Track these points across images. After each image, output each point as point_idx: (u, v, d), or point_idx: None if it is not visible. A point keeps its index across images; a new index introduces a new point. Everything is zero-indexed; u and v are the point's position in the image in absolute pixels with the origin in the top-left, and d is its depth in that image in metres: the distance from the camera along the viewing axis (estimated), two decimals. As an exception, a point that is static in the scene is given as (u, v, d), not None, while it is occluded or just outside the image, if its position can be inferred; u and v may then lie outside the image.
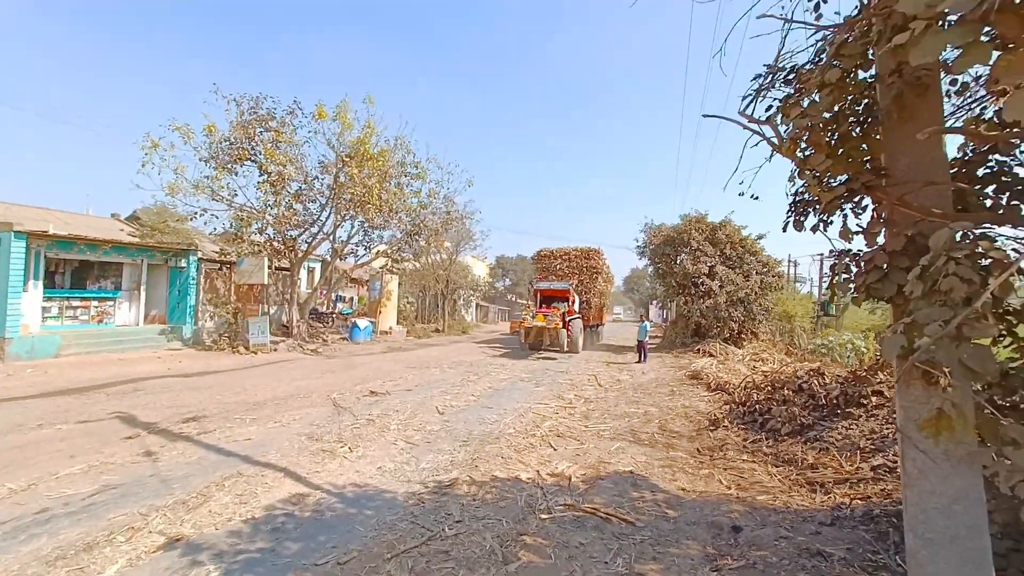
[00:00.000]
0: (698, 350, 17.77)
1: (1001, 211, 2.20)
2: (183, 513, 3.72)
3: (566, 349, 17.50)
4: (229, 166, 15.71)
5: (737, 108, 2.64)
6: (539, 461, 5.36)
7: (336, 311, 25.40)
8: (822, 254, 23.05)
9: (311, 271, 24.38)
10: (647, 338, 16.77)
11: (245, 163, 15.98)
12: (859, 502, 4.05)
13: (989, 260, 1.73)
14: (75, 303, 13.62)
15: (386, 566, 3.09)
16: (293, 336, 16.99)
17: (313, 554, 3.21)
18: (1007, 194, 2.24)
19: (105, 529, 3.41)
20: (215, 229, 15.89)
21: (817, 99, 2.08)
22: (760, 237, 20.62)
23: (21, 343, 11.02)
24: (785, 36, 2.67)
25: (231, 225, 16.36)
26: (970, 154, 2.36)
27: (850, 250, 2.33)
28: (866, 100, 2.29)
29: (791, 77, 2.57)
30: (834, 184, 2.26)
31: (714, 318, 19.40)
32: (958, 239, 1.69)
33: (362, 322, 20.37)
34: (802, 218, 2.63)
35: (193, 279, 15.64)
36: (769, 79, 2.54)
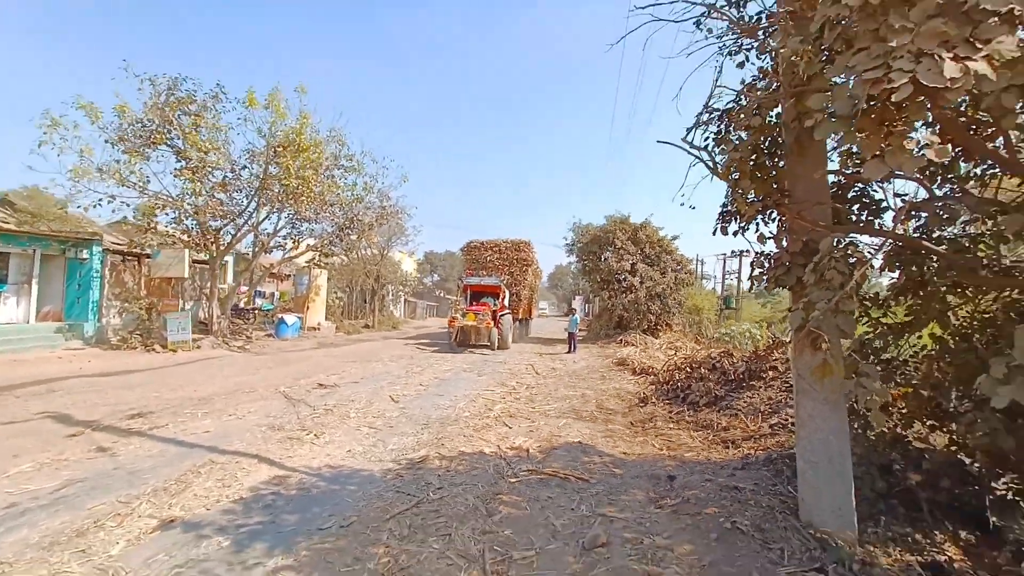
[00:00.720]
0: (621, 340, 19.26)
1: (862, 224, 3.09)
2: (167, 498, 3.80)
3: (497, 347, 17.06)
4: (141, 150, 14.42)
5: (681, 135, 3.36)
6: (497, 438, 5.89)
7: (256, 307, 24.04)
8: (724, 254, 25.82)
9: (223, 266, 22.87)
10: (577, 330, 17.90)
11: (160, 147, 14.77)
12: (761, 452, 5.05)
13: (854, 259, 2.55)
14: (-53, 298, 11.88)
15: (386, 525, 3.46)
16: (214, 333, 15.99)
17: (313, 523, 3.50)
18: (866, 212, 3.15)
19: (89, 517, 3.43)
20: (125, 217, 14.53)
21: (744, 137, 2.81)
22: (675, 238, 22.66)
23: None
24: (717, 78, 3.41)
25: (141, 214, 15.04)
26: (843, 180, 3.25)
27: (763, 251, 3.12)
28: (777, 136, 3.08)
29: (721, 115, 3.32)
30: (751, 200, 3.02)
31: (635, 311, 21.08)
32: (835, 244, 2.48)
33: (289, 318, 19.60)
34: (727, 225, 3.41)
35: (97, 272, 14.21)
36: (705, 117, 3.27)
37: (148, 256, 15.40)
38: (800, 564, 2.91)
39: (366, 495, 4.03)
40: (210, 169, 15.19)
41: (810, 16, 1.99)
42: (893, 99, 1.39)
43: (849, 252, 2.44)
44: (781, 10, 2.58)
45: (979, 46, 1.38)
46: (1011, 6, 1.36)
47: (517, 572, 2.93)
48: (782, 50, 2.15)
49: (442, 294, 62.22)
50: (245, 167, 15.89)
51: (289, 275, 25.83)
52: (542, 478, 4.55)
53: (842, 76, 1.71)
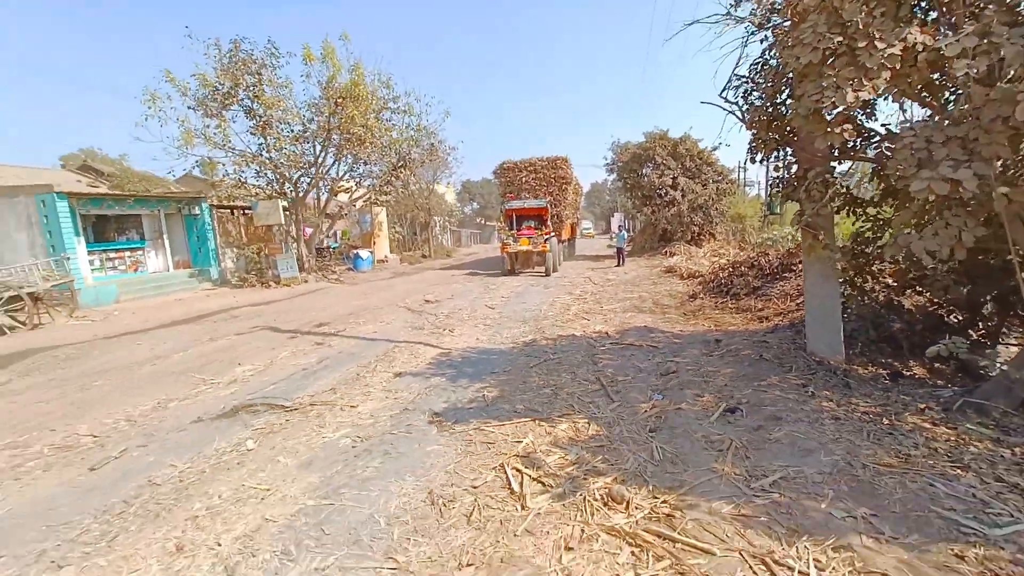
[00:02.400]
0: (666, 252, 20.58)
1: (853, 151, 4.48)
2: (387, 363, 5.96)
3: (549, 272, 16.25)
4: (219, 112, 16.19)
5: (718, 91, 4.74)
6: (581, 327, 7.81)
7: (326, 246, 26.63)
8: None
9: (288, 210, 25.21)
10: (624, 244, 19.36)
11: (232, 108, 16.47)
12: (787, 322, 6.73)
13: (829, 179, 4.02)
14: (111, 254, 14.67)
15: (531, 370, 5.47)
16: (307, 270, 18.57)
17: (484, 371, 5.55)
18: (859, 139, 4.52)
19: (349, 373, 5.61)
20: (224, 176, 16.69)
21: (761, 99, 4.21)
22: (715, 148, 22.79)
23: (87, 293, 12.33)
24: (744, 46, 4.70)
25: (234, 172, 17.15)
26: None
27: (779, 176, 4.60)
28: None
29: (747, 79, 4.66)
30: (768, 141, 4.46)
31: (678, 224, 22.13)
32: (817, 172, 3.96)
33: (363, 253, 21.98)
34: (755, 157, 4.85)
35: (208, 224, 16.67)
36: (735, 79, 4.61)
37: (248, 208, 17.70)
38: (802, 372, 4.68)
39: (507, 359, 6.06)
40: (279, 124, 16.88)
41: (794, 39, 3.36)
42: (824, 110, 2.85)
43: (827, 178, 3.91)
44: (782, 25, 3.85)
45: (865, 83, 2.80)
46: (882, 61, 2.75)
47: (622, 385, 4.87)
48: (782, 55, 3.51)
49: (483, 221, 63.87)
50: (313, 120, 17.42)
51: (342, 214, 28.11)
52: (623, 346, 6.46)
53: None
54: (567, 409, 4.25)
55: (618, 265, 18.68)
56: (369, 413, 4.34)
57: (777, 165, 4.61)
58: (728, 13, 4.44)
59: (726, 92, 4.71)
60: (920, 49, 2.85)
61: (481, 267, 22.82)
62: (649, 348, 6.29)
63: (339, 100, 16.69)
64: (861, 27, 2.89)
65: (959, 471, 2.74)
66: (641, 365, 5.51)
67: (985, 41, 2.45)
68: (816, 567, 2.13)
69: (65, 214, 12.21)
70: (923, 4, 3.26)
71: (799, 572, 2.11)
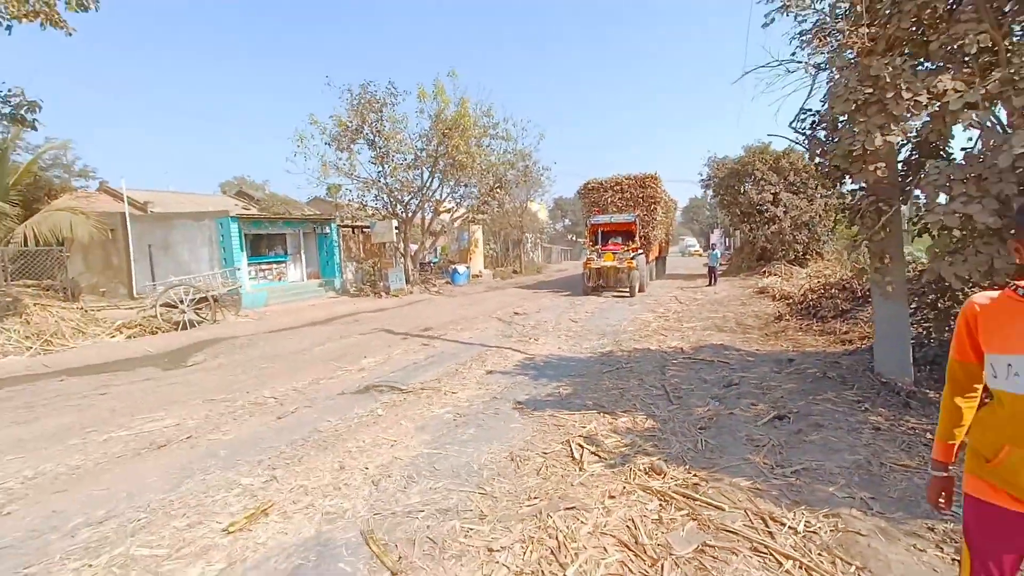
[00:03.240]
0: (763, 272, 19.76)
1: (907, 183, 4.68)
2: (479, 363, 7.04)
3: (635, 292, 15.46)
4: (348, 147, 19.03)
5: (788, 123, 5.17)
6: (658, 342, 8.31)
7: (427, 261, 29.23)
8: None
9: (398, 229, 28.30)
10: (717, 264, 19.00)
11: (358, 142, 19.25)
12: (868, 345, 6.68)
13: (883, 208, 4.31)
14: (263, 267, 17.86)
15: (604, 376, 6.19)
16: (412, 283, 20.79)
17: (563, 374, 6.37)
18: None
19: (449, 370, 6.76)
20: (349, 200, 19.50)
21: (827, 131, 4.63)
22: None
23: (247, 297, 15.22)
24: (811, 89, 5.11)
25: (357, 196, 19.97)
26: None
27: (843, 203, 4.92)
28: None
29: (814, 114, 5.06)
30: (829, 170, 4.83)
31: (779, 242, 21.07)
32: (870, 201, 4.30)
33: (461, 268, 23.92)
34: (825, 182, 5.19)
35: (335, 242, 19.50)
36: (802, 114, 5.04)
37: (367, 227, 20.40)
38: (862, 390, 4.88)
39: (584, 365, 6.83)
40: (395, 154, 19.33)
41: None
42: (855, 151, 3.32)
43: (880, 207, 4.22)
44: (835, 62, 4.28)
45: (894, 127, 3.22)
46: (910, 109, 3.18)
47: (684, 392, 5.41)
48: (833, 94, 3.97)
49: (573, 238, 64.61)
50: (423, 149, 19.70)
51: (444, 231, 30.62)
52: (694, 361, 6.90)
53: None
54: (629, 407, 4.93)
55: (709, 284, 18.39)
56: (466, 399, 5.39)
57: (841, 193, 4.93)
58: (794, 55, 4.92)
59: (795, 123, 5.15)
60: (954, 95, 3.25)
61: (569, 284, 23.51)
62: (720, 364, 6.67)
63: (446, 131, 18.75)
64: (888, 80, 3.36)
65: (978, 476, 3.03)
66: (707, 378, 5.97)
67: (983, 92, 2.84)
68: (805, 525, 2.68)
69: (236, 234, 15.29)
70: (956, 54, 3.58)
71: (789, 527, 2.68)
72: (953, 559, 2.36)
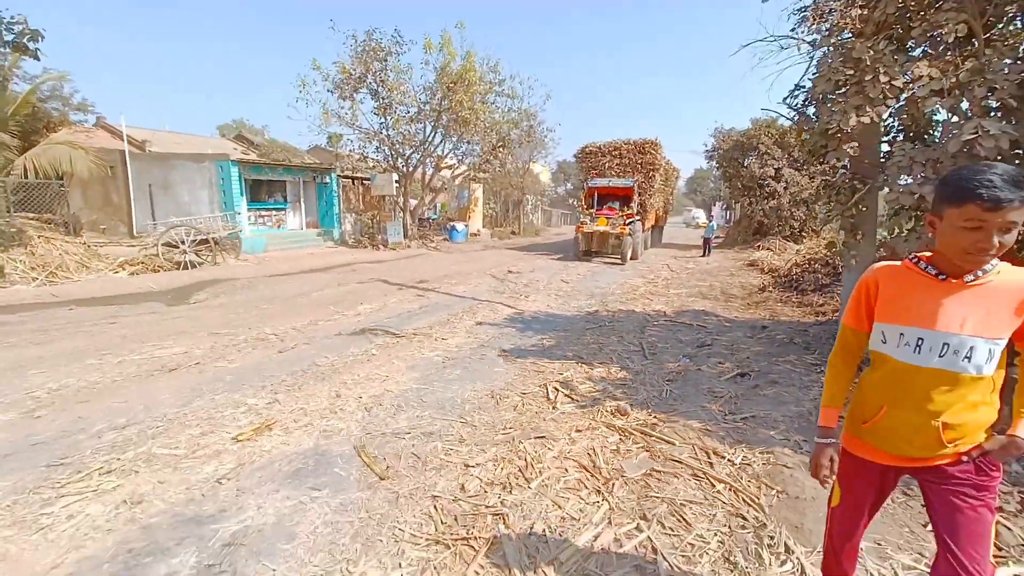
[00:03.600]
0: (758, 246, 19.99)
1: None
2: (471, 315, 7.38)
3: (628, 258, 15.43)
4: (351, 95, 18.70)
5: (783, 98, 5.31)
6: (643, 305, 8.65)
7: (427, 217, 29.22)
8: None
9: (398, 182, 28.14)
10: (713, 236, 19.19)
11: (361, 91, 18.90)
12: (837, 316, 7.04)
13: (857, 186, 4.53)
14: (263, 213, 17.95)
15: (587, 332, 6.55)
16: (410, 237, 20.94)
17: (548, 328, 6.73)
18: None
19: (441, 319, 7.11)
20: (351, 151, 19.34)
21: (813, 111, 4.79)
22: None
23: (246, 242, 15.38)
24: (807, 69, 5.21)
25: (358, 147, 19.80)
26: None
27: (825, 180, 5.13)
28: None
29: (806, 90, 5.19)
30: (814, 148, 5.01)
31: (776, 217, 21.19)
32: (844, 178, 4.51)
33: (459, 225, 24.02)
34: (813, 158, 5.37)
35: (335, 192, 19.51)
36: (797, 90, 5.17)
37: (367, 179, 20.34)
38: (823, 355, 5.25)
39: (569, 322, 7.18)
40: (398, 106, 19.04)
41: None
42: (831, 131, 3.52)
43: (854, 184, 4.45)
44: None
45: (869, 109, 3.41)
46: (884, 92, 3.35)
47: (659, 350, 5.78)
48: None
49: (574, 202, 64.09)
50: (427, 103, 19.38)
51: (444, 188, 30.48)
52: (674, 324, 7.26)
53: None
54: (606, 360, 5.30)
55: (703, 255, 18.64)
56: (455, 344, 5.76)
57: (824, 169, 5.14)
58: (793, 30, 5.00)
59: (788, 99, 5.29)
60: (927, 81, 3.43)
61: (565, 248, 23.53)
62: (698, 327, 7.04)
63: (451, 85, 18.42)
64: (868, 63, 3.52)
65: (902, 429, 3.43)
66: (683, 338, 6.34)
67: (953, 81, 3.04)
68: (742, 459, 3.08)
69: (236, 178, 15.31)
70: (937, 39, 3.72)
71: (728, 460, 3.07)
72: (860, 489, 2.76)
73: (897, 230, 3.86)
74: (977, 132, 2.73)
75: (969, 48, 3.47)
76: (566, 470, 3.01)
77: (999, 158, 2.80)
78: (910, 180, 3.38)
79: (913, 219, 3.72)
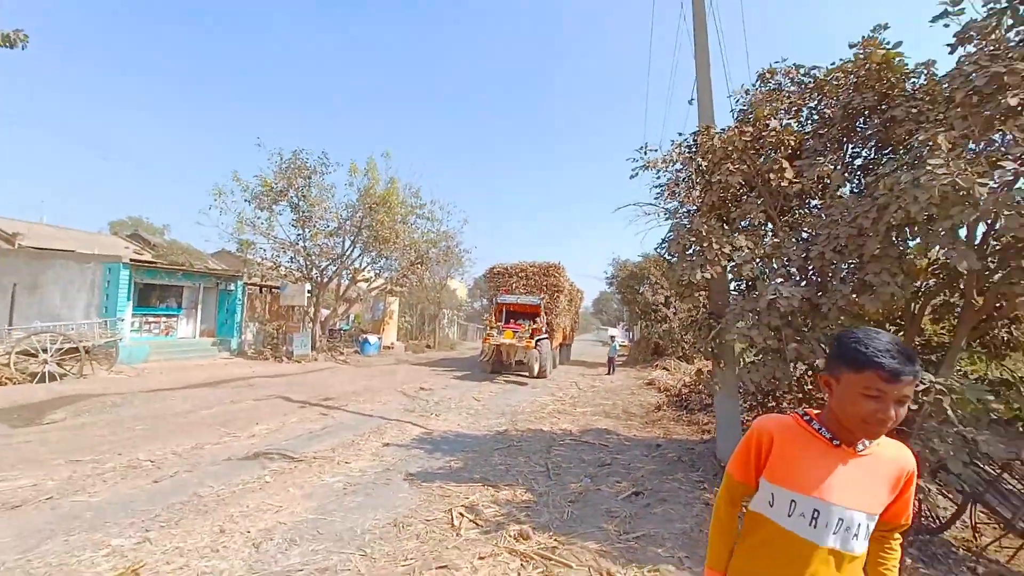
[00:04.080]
0: (656, 366, 21.78)
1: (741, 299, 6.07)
2: (378, 436, 7.17)
3: (536, 373, 15.82)
4: (270, 206, 18.97)
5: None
6: (550, 424, 8.97)
7: (338, 328, 28.37)
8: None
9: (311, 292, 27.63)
10: (616, 355, 20.68)
11: (280, 203, 19.29)
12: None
13: (712, 323, 5.56)
14: (150, 319, 16.43)
15: (495, 452, 6.64)
16: (318, 349, 20.05)
17: (457, 449, 6.72)
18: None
19: (345, 440, 6.82)
20: (263, 259, 19.00)
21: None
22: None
23: (124, 350, 13.82)
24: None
25: (271, 255, 19.53)
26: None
27: (691, 317, 6.16)
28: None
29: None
30: (684, 291, 6.09)
31: (669, 340, 23.55)
32: (706, 316, 5.52)
33: (372, 338, 23.53)
34: (679, 299, 6.45)
35: (240, 300, 18.60)
36: (663, 243, 6.38)
37: (277, 288, 19.77)
38: (705, 472, 5.82)
39: (479, 442, 7.24)
40: (318, 220, 19.54)
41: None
42: (683, 282, 4.50)
43: (710, 322, 5.45)
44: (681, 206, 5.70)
45: (708, 268, 4.46)
46: (718, 255, 4.43)
47: (563, 470, 6.00)
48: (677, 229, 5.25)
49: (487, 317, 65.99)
50: (348, 219, 20.11)
51: (359, 299, 30.31)
52: (579, 443, 7.60)
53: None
54: (513, 481, 5.41)
55: (608, 374, 19.82)
56: (359, 469, 5.54)
57: (689, 307, 6.19)
58: (657, 198, 6.32)
59: (659, 248, 6.49)
60: (745, 251, 4.54)
61: (478, 363, 23.91)
62: (600, 446, 7.43)
63: (373, 205, 19.46)
64: (704, 234, 4.62)
65: (765, 540, 3.89)
66: (586, 458, 6.66)
67: (761, 252, 4.10)
68: (632, 578, 3.29)
69: (125, 281, 14.19)
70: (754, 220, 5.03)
71: (620, 580, 3.27)
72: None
73: (743, 362, 4.74)
74: (777, 293, 3.69)
75: (769, 227, 4.73)
76: (467, 602, 3.00)
77: (794, 309, 3.76)
78: (742, 324, 4.30)
79: (754, 352, 4.61)
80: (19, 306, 13.84)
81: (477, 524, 4.16)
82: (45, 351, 10.34)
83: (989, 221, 3.18)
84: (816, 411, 1.37)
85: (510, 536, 3.92)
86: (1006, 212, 2.89)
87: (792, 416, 1.38)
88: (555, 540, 3.88)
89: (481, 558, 3.54)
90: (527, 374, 16.04)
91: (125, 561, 3.15)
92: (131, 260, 14.58)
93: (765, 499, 1.33)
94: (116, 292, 13.95)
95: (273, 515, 4.06)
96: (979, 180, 2.94)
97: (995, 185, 2.99)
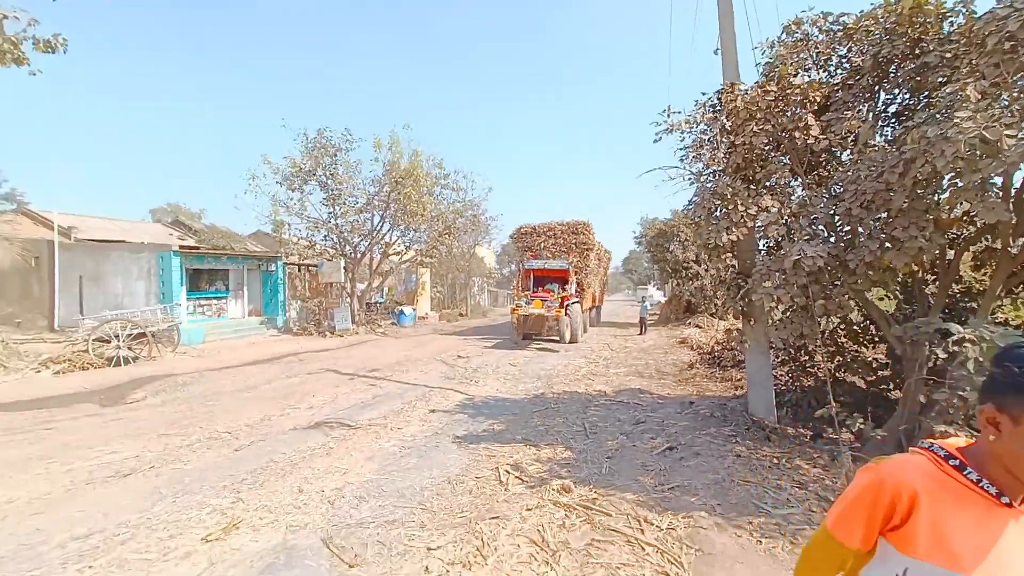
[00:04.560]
0: (689, 323, 21.76)
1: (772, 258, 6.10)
2: (424, 403, 7.69)
3: (568, 339, 15.65)
4: (300, 187, 19.49)
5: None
6: (585, 385, 9.32)
7: (374, 301, 29.35)
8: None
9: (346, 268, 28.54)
10: (647, 314, 20.76)
11: (310, 183, 19.78)
12: (754, 390, 8.02)
13: (741, 283, 5.64)
14: (202, 302, 17.52)
15: (534, 414, 7.05)
16: (358, 323, 20.95)
17: (498, 413, 7.16)
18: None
19: (395, 408, 7.36)
20: (299, 238, 19.72)
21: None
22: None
23: (183, 333, 14.90)
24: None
25: (306, 234, 20.23)
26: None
27: (720, 277, 6.25)
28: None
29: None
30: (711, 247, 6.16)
31: (702, 297, 23.34)
32: (733, 276, 5.61)
33: (407, 309, 24.34)
34: (708, 259, 6.52)
35: (281, 280, 19.51)
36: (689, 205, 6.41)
37: (315, 266, 20.57)
38: (737, 427, 6.05)
39: (518, 405, 7.66)
40: (347, 197, 19.99)
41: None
42: (711, 244, 4.61)
43: (739, 282, 5.53)
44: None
45: (734, 230, 4.54)
46: (743, 217, 4.49)
47: (600, 429, 6.36)
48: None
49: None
50: (375, 194, 20.49)
51: (392, 272, 31.10)
52: (613, 403, 7.93)
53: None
54: (552, 441, 5.80)
55: (640, 334, 19.99)
56: (410, 434, 6.05)
57: (718, 267, 6.28)
58: (682, 160, 6.31)
59: (684, 210, 6.52)
60: (771, 210, 4.59)
61: (512, 329, 24.48)
62: (634, 405, 7.75)
63: (399, 180, 19.72)
64: (729, 196, 4.67)
65: (794, 487, 4.14)
66: (621, 417, 6.99)
67: (788, 212, 4.15)
68: (668, 524, 3.62)
69: (177, 268, 15.13)
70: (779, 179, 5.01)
71: (656, 526, 3.60)
72: (759, 540, 3.37)
73: (771, 320, 4.86)
74: (802, 253, 3.78)
75: (797, 183, 4.73)
76: (519, 546, 3.41)
77: (820, 267, 3.85)
78: (769, 283, 4.40)
79: (781, 310, 4.73)
80: (86, 295, 15.01)
81: (522, 480, 4.57)
82: (117, 337, 11.32)
83: (1020, 172, 3.17)
84: (955, 443, 1.04)
85: (553, 490, 4.30)
86: (1035, 164, 2.88)
87: (926, 454, 1.03)
88: (595, 492, 4.25)
89: (528, 509, 3.94)
90: (557, 339, 15.91)
91: (225, 518, 3.70)
92: (179, 247, 15.45)
93: (893, 574, 0.99)
94: (170, 278, 14.91)
95: (341, 476, 4.58)
96: (1007, 132, 2.92)
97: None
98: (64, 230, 19.43)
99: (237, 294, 18.85)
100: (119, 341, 11.29)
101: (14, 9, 6.51)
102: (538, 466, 4.93)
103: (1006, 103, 3.27)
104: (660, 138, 5.55)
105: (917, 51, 4.47)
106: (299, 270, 21.37)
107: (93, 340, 11.12)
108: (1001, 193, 3.71)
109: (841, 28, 5.05)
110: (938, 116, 3.63)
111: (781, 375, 7.15)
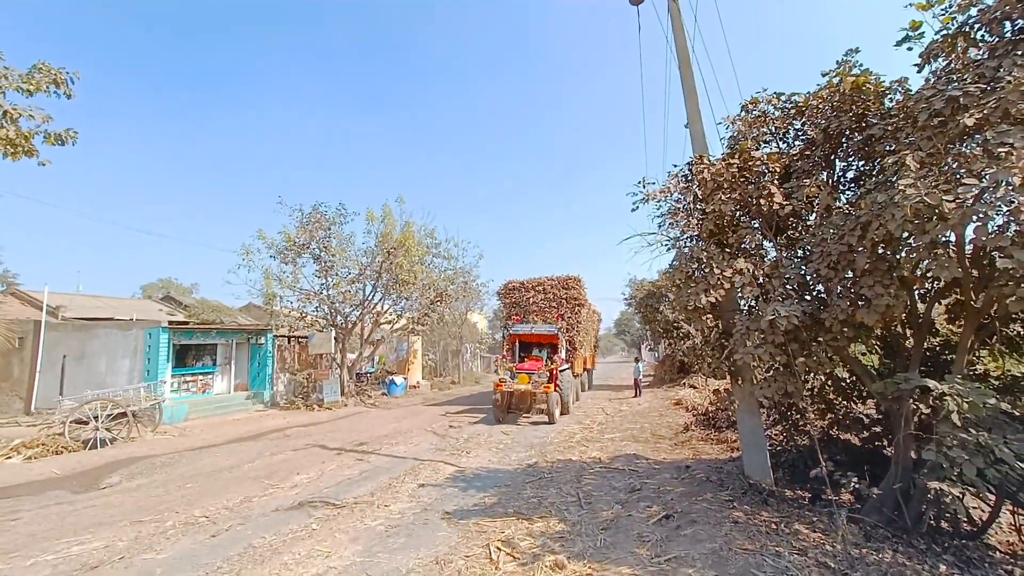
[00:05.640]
0: (683, 383, 21.58)
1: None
2: (412, 477, 7.41)
3: (555, 418, 12.97)
4: (293, 260, 19.85)
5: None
6: (579, 454, 9.08)
7: (364, 371, 28.87)
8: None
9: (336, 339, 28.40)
10: (641, 376, 20.60)
11: (303, 256, 20.17)
12: (750, 452, 7.87)
13: (724, 343, 5.75)
14: (187, 378, 17.15)
15: (527, 485, 6.82)
16: (347, 394, 20.49)
17: (490, 485, 6.92)
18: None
19: (382, 484, 7.09)
20: (290, 310, 19.76)
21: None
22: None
23: (165, 411, 14.44)
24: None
25: (297, 306, 20.30)
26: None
27: (704, 337, 6.36)
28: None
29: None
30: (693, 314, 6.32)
31: (694, 356, 23.31)
32: (718, 335, 5.72)
33: (398, 379, 23.92)
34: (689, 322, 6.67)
35: (270, 352, 19.27)
36: (670, 268, 6.65)
37: (305, 338, 20.44)
38: (734, 491, 5.89)
39: (510, 476, 7.42)
40: (340, 268, 20.32)
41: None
42: (689, 306, 4.78)
43: (722, 342, 5.65)
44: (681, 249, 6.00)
45: (712, 292, 4.72)
46: (720, 279, 4.70)
47: (594, 498, 6.15)
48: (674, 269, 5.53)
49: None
50: (368, 266, 20.87)
51: (383, 340, 30.89)
52: (608, 470, 7.71)
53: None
54: (545, 513, 5.58)
55: (635, 396, 19.71)
56: (398, 511, 5.79)
57: (702, 328, 6.40)
58: (660, 227, 6.62)
59: (666, 272, 6.75)
60: (745, 272, 4.80)
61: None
62: (630, 472, 7.53)
63: (391, 250, 20.20)
64: (705, 260, 4.89)
65: (793, 554, 3.99)
66: (616, 484, 6.78)
67: (761, 273, 4.35)
68: (665, 599, 3.45)
69: (164, 344, 14.96)
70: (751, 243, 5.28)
71: (653, 601, 3.43)
72: (760, 615, 3.21)
73: (754, 381, 4.91)
74: (775, 313, 3.93)
75: (769, 245, 4.98)
76: (510, 631, 3.21)
77: (796, 325, 3.98)
78: (750, 343, 4.51)
79: (764, 368, 4.80)
80: (68, 375, 14.66)
81: (514, 557, 4.36)
82: (96, 418, 10.95)
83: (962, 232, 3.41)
84: None
85: (546, 567, 4.11)
86: (973, 224, 3.13)
87: None
88: (589, 567, 4.06)
89: (520, 589, 3.75)
90: (544, 418, 13.36)
91: (197, 611, 3.46)
92: (168, 323, 15.37)
93: None
94: (157, 355, 14.69)
95: (323, 560, 4.34)
96: (945, 198, 3.19)
97: (961, 200, 3.23)
98: (52, 309, 19.35)
99: (224, 369, 18.51)
100: (98, 422, 10.90)
101: (29, 108, 6.95)
102: (530, 541, 4.72)
103: (945, 170, 3.58)
104: (637, 207, 5.89)
105: (863, 124, 4.93)
106: (288, 342, 21.21)
107: (71, 422, 10.73)
108: (955, 250, 3.96)
109: (793, 106, 5.58)
110: (887, 183, 3.96)
111: (776, 435, 7.08)
